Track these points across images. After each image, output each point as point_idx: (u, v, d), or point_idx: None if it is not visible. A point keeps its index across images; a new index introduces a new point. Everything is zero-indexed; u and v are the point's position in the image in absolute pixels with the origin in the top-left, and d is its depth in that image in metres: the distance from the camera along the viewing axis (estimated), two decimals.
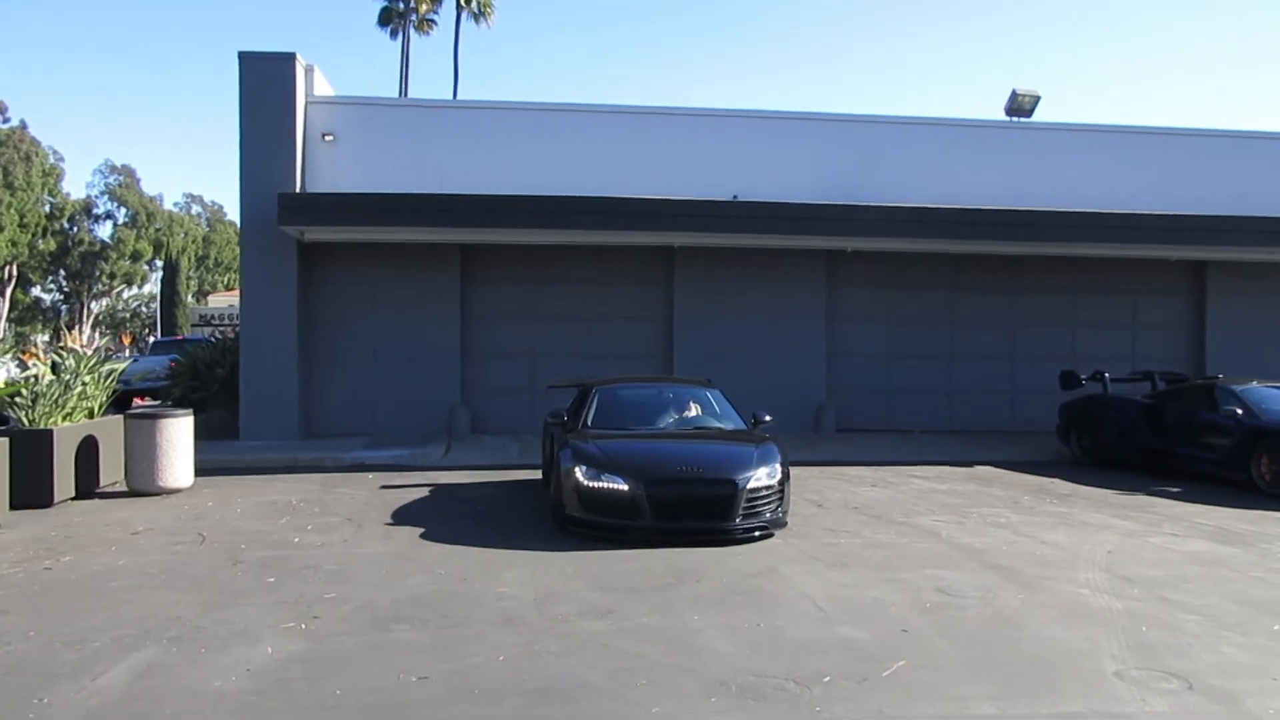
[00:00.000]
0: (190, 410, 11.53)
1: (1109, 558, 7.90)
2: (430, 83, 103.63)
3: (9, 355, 12.70)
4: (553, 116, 16.34)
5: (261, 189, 14.56)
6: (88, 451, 10.65)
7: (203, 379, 15.55)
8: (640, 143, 16.18)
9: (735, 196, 15.51)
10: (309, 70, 15.40)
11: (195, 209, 77.63)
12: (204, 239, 72.90)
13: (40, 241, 63.04)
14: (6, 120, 61.82)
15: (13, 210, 58.77)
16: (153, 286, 71.15)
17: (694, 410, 10.27)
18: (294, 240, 14.95)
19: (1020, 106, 17.78)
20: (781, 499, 8.55)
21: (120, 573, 7.17)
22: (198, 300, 65.88)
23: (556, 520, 8.80)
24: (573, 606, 6.24)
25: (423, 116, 16.41)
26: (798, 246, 16.29)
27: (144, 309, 74.97)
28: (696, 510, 8.21)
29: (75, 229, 68.10)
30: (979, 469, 13.33)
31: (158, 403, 16.34)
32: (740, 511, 8.15)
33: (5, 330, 56.87)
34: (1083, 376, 14.56)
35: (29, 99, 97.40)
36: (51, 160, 63.63)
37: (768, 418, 10.01)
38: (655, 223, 14.91)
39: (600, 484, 8.37)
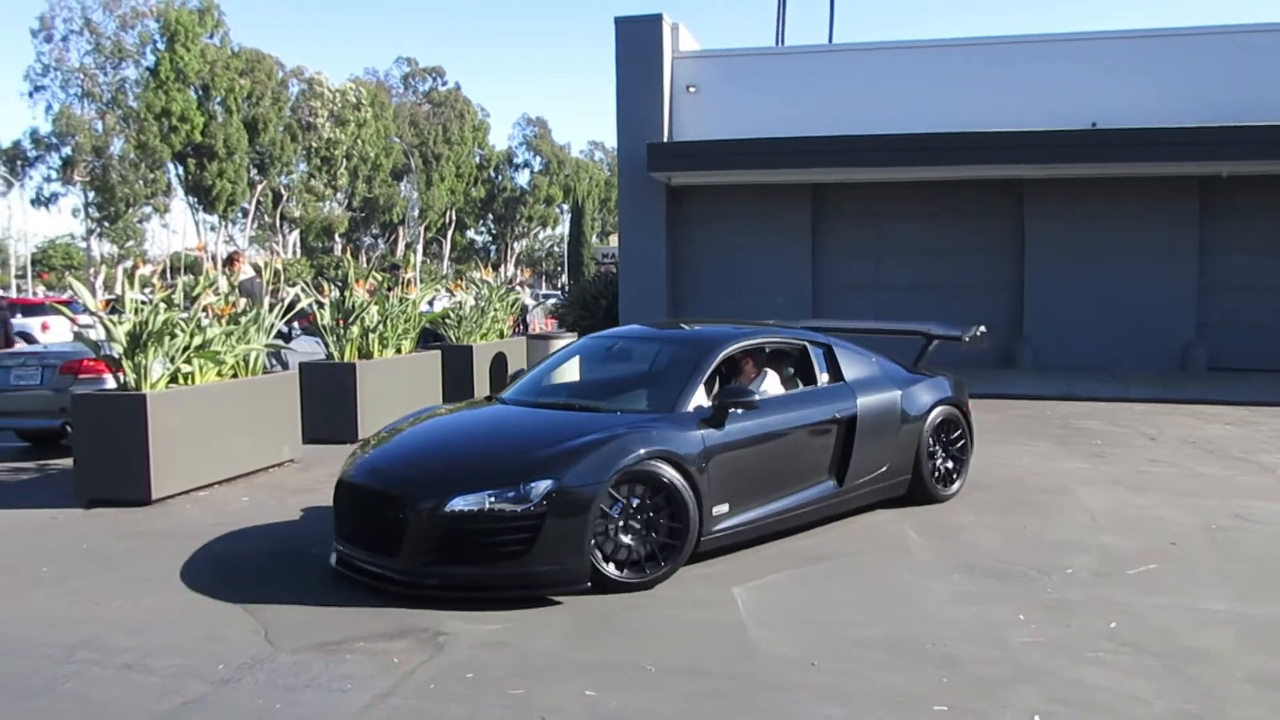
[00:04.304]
0: (576, 333, 13.69)
1: None
2: (807, 24, 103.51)
3: (440, 287, 15.73)
4: (900, 54, 16.64)
5: (634, 139, 16.50)
6: (499, 364, 13.15)
7: (589, 308, 18.02)
8: (991, 74, 15.99)
9: (1094, 124, 14.95)
10: (675, 28, 17.03)
11: (598, 155, 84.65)
12: (605, 183, 79.29)
13: (472, 189, 72.42)
14: (444, 83, 71.37)
15: (450, 162, 68.05)
16: (562, 228, 78.94)
17: (657, 382, 6.53)
18: (662, 185, 16.78)
19: None
20: (534, 538, 4.91)
21: None
22: (600, 240, 71.77)
23: None
24: None
25: (777, 63, 17.45)
26: (1165, 174, 15.33)
27: (555, 249, 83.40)
28: (370, 537, 5.27)
29: (499, 177, 77.27)
30: None
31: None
32: (425, 550, 5.01)
33: (447, 268, 66.42)
34: None
35: (459, 62, 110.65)
36: (480, 117, 72.42)
37: (759, 396, 6.00)
38: (1006, 156, 14.86)
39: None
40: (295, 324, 12.98)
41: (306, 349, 12.31)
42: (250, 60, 54.22)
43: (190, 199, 54.09)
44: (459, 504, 4.94)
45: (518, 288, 20.03)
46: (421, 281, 12.53)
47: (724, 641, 4.49)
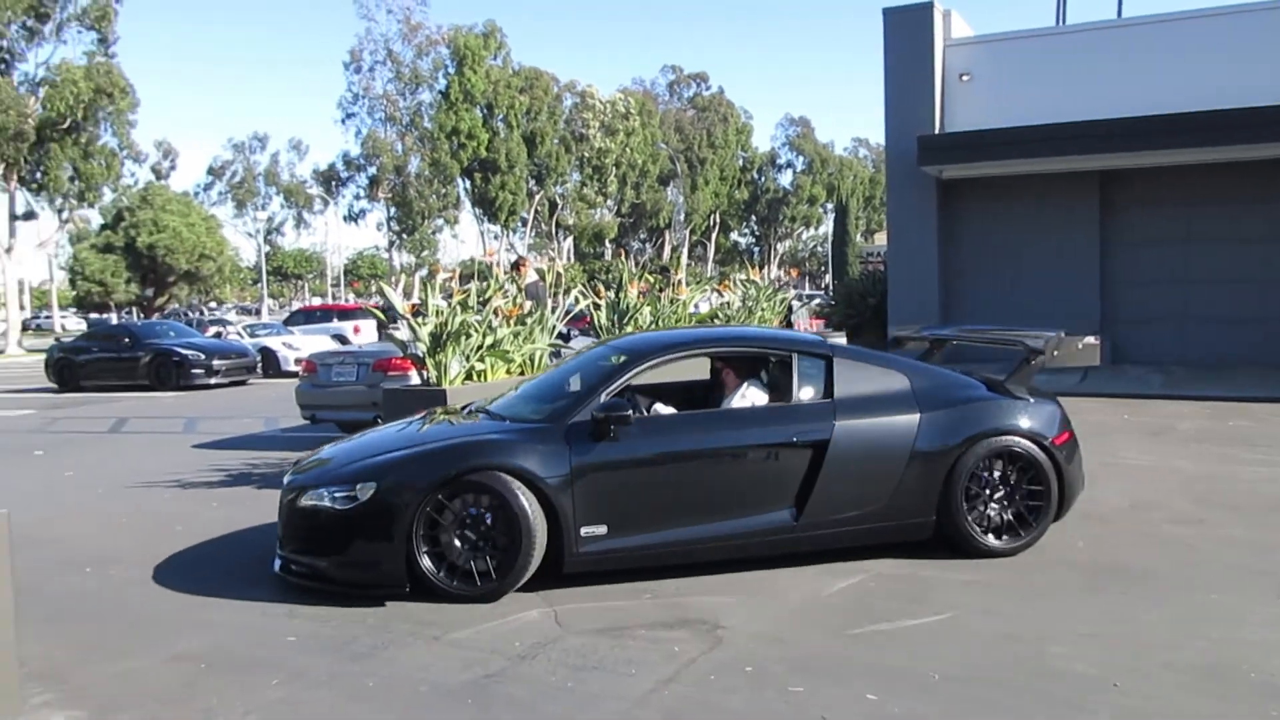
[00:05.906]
0: (844, 332, 13.49)
1: None
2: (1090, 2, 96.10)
3: (707, 287, 16.04)
4: (1200, 23, 14.99)
5: (903, 132, 15.95)
6: None
7: (856, 307, 17.66)
8: None
9: None
10: (946, 15, 16.31)
11: (862, 152, 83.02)
12: (870, 180, 77.65)
13: (736, 192, 73.20)
14: (708, 88, 72.57)
15: (714, 166, 69.10)
16: (826, 227, 78.12)
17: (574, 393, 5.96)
18: (933, 178, 16.13)
19: None
20: (352, 538, 5.17)
21: None
22: (865, 239, 70.35)
23: None
24: (1165, 514, 6.63)
25: (1057, 43, 16.30)
26: None
27: (819, 249, 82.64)
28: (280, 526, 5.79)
29: (762, 179, 77.65)
30: None
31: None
32: (292, 539, 5.48)
33: (711, 270, 67.52)
34: None
35: (722, 66, 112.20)
36: (743, 119, 73.05)
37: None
38: None
39: None
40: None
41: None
42: (529, 78, 57.64)
43: (476, 210, 58.32)
44: (309, 500, 5.32)
45: (783, 287, 20.01)
46: (688, 283, 12.83)
47: (1014, 654, 4.28)
